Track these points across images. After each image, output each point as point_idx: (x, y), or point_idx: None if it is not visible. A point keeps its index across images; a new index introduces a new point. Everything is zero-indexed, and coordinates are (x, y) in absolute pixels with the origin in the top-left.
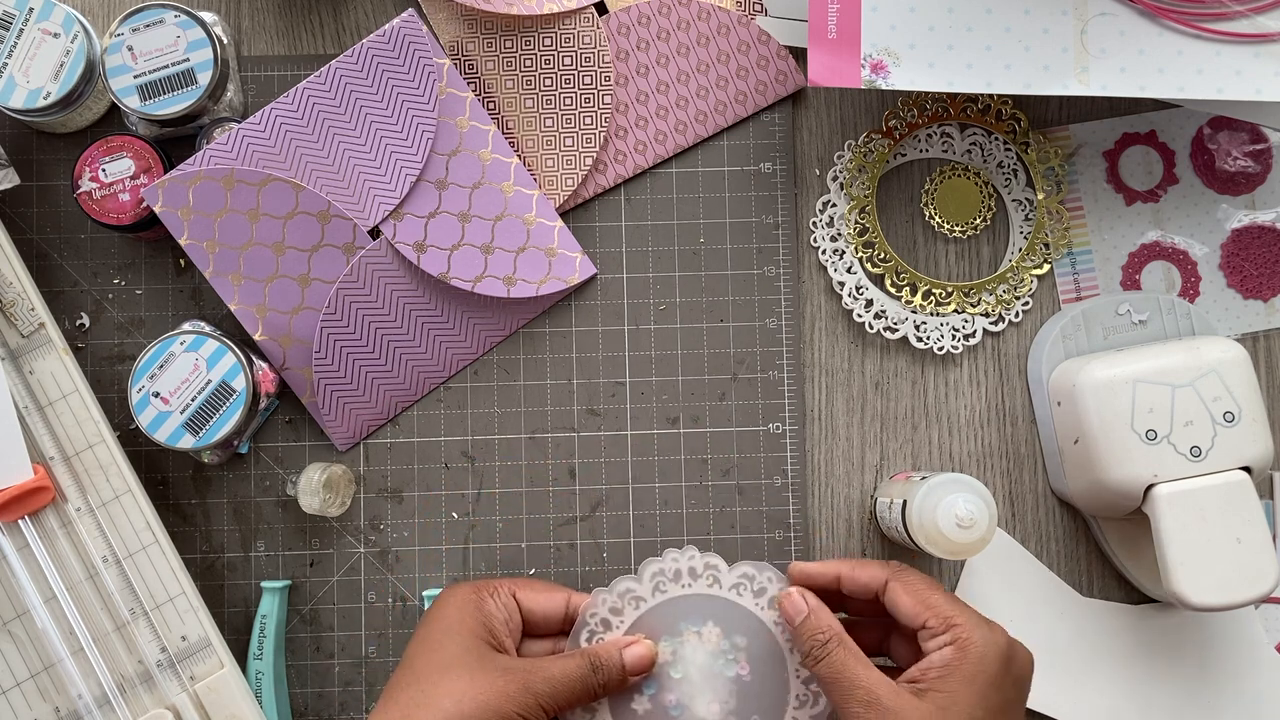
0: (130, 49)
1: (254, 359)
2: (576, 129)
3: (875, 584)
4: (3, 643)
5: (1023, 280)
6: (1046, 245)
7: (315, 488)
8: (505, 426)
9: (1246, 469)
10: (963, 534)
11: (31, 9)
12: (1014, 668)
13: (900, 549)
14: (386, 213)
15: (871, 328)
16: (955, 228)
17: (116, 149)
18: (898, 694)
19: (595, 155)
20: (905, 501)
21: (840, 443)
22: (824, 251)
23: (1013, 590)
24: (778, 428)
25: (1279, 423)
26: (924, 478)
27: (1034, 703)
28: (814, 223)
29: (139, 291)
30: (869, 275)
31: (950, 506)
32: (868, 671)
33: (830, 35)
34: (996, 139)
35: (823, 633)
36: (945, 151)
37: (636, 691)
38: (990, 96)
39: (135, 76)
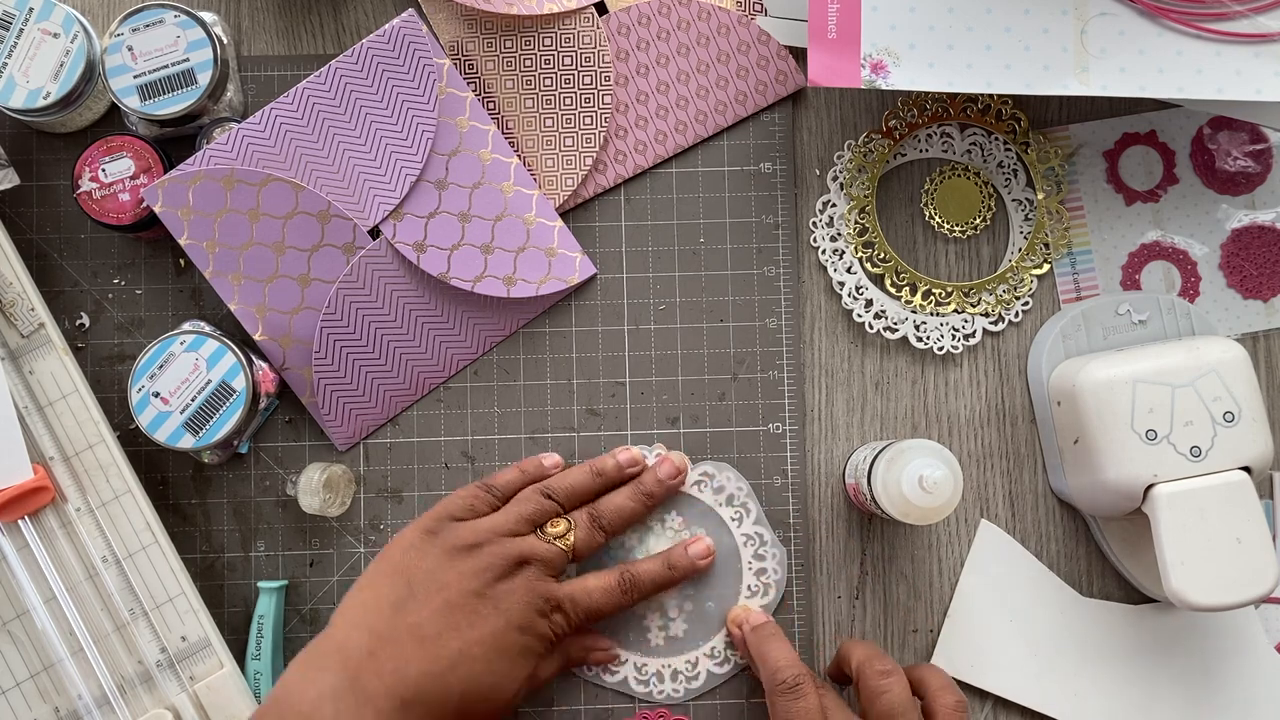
0: (130, 49)
1: (254, 359)
2: (576, 129)
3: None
4: (3, 643)
5: (1023, 280)
6: (1046, 245)
7: (315, 488)
8: (505, 426)
9: (1246, 469)
10: (926, 498)
11: (31, 9)
12: None
13: (871, 518)
14: (386, 213)
15: (871, 328)
16: (955, 228)
17: (116, 149)
18: None
19: (595, 155)
20: (872, 463)
21: (840, 443)
22: (824, 251)
23: (1013, 590)
24: (778, 428)
25: (1279, 423)
26: (892, 443)
27: (1034, 702)
28: (814, 223)
29: (139, 291)
30: (869, 275)
31: (915, 470)
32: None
33: (830, 35)
34: (996, 139)
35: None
36: (945, 151)
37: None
38: (990, 96)
39: (135, 76)
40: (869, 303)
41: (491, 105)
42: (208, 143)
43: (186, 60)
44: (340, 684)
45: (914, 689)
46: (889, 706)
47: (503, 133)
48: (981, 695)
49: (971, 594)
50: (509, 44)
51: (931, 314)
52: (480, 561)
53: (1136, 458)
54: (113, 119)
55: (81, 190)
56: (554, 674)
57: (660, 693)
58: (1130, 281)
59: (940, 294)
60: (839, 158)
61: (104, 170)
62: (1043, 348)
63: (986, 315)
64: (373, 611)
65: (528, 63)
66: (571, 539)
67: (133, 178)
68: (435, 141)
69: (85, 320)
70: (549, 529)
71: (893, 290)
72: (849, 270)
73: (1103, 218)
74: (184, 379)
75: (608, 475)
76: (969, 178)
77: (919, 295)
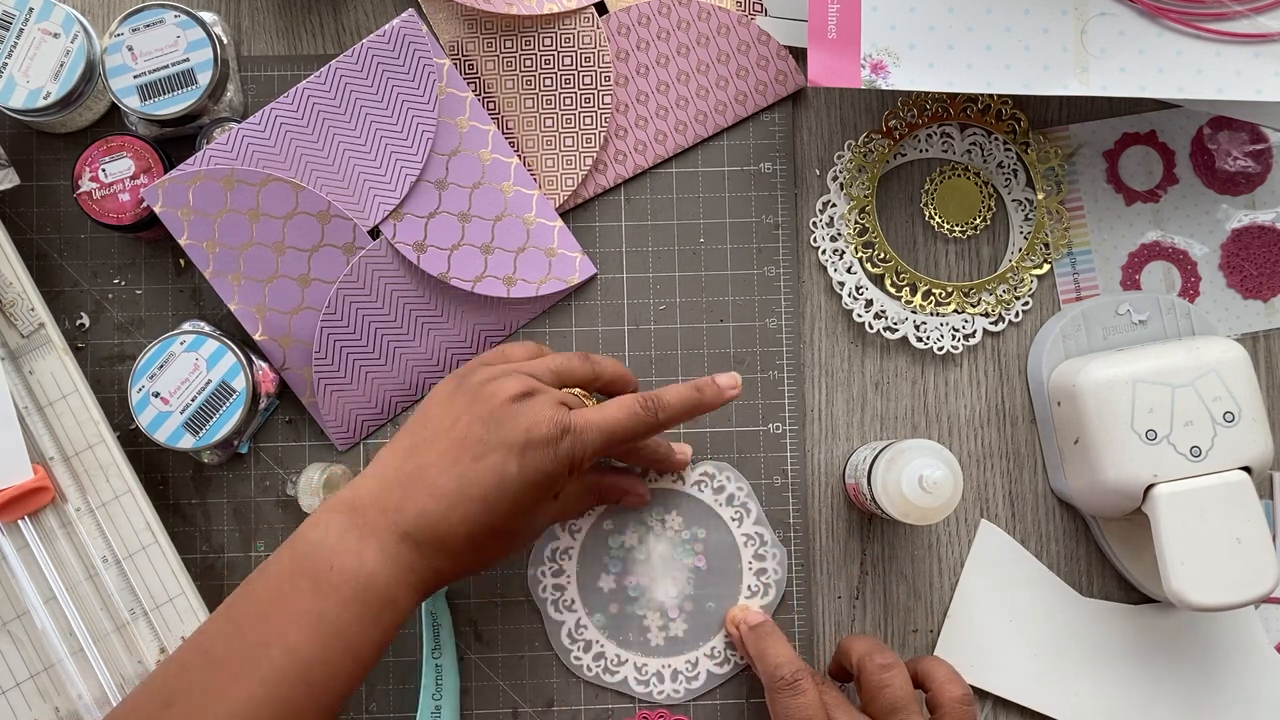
0: (130, 49)
1: (254, 359)
2: (576, 129)
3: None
4: (3, 643)
5: (1023, 280)
6: (1046, 245)
7: (315, 488)
8: None
9: (1246, 469)
10: (926, 498)
11: (31, 9)
12: None
13: (871, 518)
14: (386, 213)
15: (871, 328)
16: (955, 228)
17: (116, 149)
18: None
19: (595, 155)
20: (872, 464)
21: (840, 443)
22: (824, 251)
23: (1013, 590)
24: (778, 428)
25: (1279, 423)
26: (892, 443)
27: (1034, 703)
28: (814, 223)
29: (139, 291)
30: (869, 275)
31: (915, 470)
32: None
33: (830, 35)
34: (996, 139)
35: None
36: (945, 151)
37: (604, 570)
38: (990, 96)
39: (135, 76)
40: (869, 303)
41: (491, 105)
42: (208, 143)
43: (186, 60)
44: (346, 523)
45: (919, 681)
46: (891, 700)
47: (503, 133)
48: (981, 695)
49: (971, 594)
50: (509, 44)
51: (931, 314)
52: (491, 388)
53: (1136, 458)
54: (113, 119)
55: (81, 190)
56: (583, 508)
57: (660, 693)
58: (1130, 281)
59: (940, 294)
60: (839, 158)
61: (104, 170)
62: (1043, 348)
63: (986, 315)
64: (387, 461)
65: (528, 63)
66: (590, 404)
67: (133, 178)
68: (435, 141)
69: (85, 320)
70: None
71: (893, 290)
72: (849, 270)
73: (1103, 218)
74: (184, 379)
75: (634, 382)
76: (969, 178)
77: (919, 295)
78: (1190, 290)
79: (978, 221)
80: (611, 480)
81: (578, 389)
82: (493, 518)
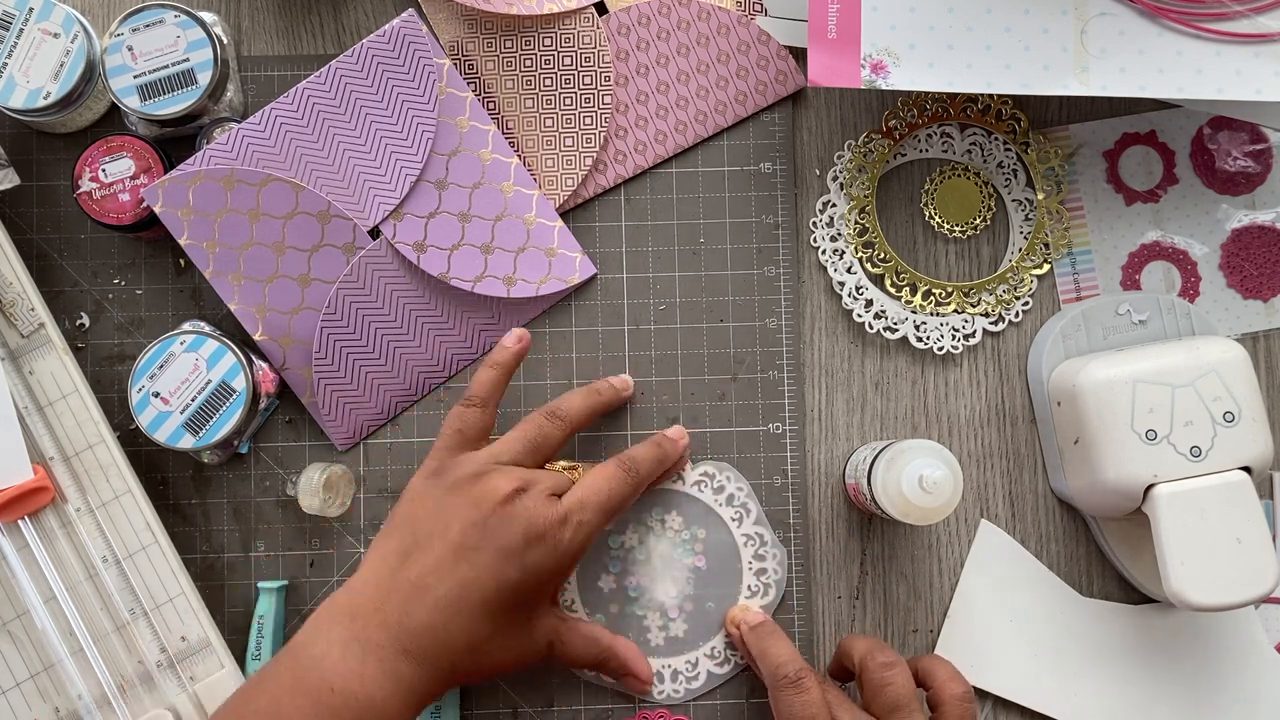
0: (130, 49)
1: (254, 359)
2: (576, 129)
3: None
4: (3, 643)
5: (1023, 280)
6: (1046, 245)
7: (315, 488)
8: (505, 427)
9: (1246, 469)
10: (926, 498)
11: (31, 9)
12: None
13: (871, 518)
14: (386, 213)
15: (871, 328)
16: (955, 228)
17: (116, 149)
18: None
19: (595, 155)
20: (872, 463)
21: (840, 443)
22: (824, 251)
23: (1013, 590)
24: (778, 428)
25: (1279, 423)
26: (892, 443)
27: (1034, 702)
28: (814, 223)
29: (139, 291)
30: (869, 275)
31: (915, 470)
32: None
33: (830, 35)
34: (996, 139)
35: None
36: (945, 151)
37: (604, 570)
38: (990, 96)
39: (135, 76)
40: (869, 303)
41: (491, 105)
42: (208, 143)
43: (186, 60)
44: (347, 636)
45: (920, 679)
46: (893, 699)
47: (503, 133)
48: (982, 695)
49: (971, 594)
50: (509, 44)
51: (931, 314)
52: (482, 489)
53: (1136, 458)
54: (113, 119)
55: (81, 190)
56: (580, 662)
57: (660, 693)
58: (1130, 281)
59: (940, 294)
60: (839, 158)
61: (104, 170)
62: (1043, 348)
63: (986, 315)
64: (381, 566)
65: (528, 63)
66: (578, 475)
67: (133, 178)
68: (435, 141)
69: (85, 320)
70: (557, 464)
71: (893, 290)
72: (849, 270)
73: (1103, 218)
74: (184, 379)
75: (604, 396)
76: (969, 178)
77: (919, 295)
78: (1190, 290)
79: (978, 221)
80: (621, 658)
81: (561, 462)
82: (493, 622)
